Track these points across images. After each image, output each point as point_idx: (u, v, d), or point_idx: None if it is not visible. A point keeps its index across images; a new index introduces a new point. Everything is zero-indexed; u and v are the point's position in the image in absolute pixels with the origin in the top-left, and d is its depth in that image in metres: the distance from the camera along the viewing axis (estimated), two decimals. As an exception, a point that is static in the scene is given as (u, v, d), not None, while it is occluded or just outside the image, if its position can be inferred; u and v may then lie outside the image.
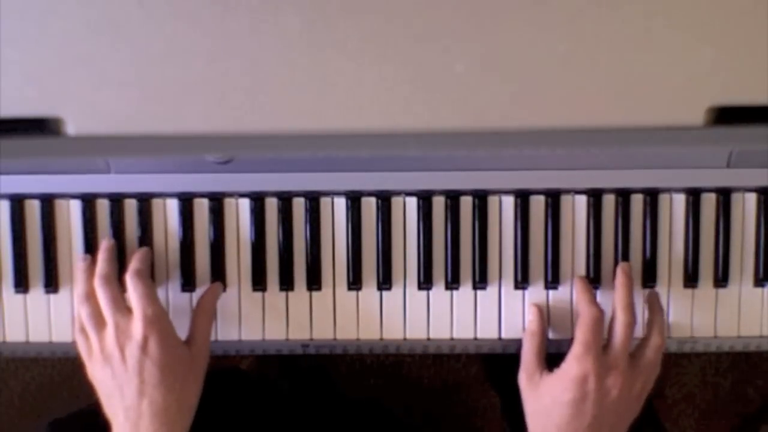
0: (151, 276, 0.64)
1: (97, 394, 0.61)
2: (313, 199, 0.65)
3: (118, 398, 0.59)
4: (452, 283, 0.66)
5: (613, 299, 0.63)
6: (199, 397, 0.62)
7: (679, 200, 0.65)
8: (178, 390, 0.59)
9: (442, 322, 0.66)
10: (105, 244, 0.64)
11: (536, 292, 0.66)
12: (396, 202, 0.65)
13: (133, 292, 0.60)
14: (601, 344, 0.61)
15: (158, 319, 0.59)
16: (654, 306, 0.65)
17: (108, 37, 0.45)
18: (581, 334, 0.60)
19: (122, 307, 0.60)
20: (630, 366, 0.61)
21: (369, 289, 0.66)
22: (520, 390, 0.63)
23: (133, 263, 0.62)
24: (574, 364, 0.60)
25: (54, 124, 0.46)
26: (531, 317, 0.65)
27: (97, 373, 0.60)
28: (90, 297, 0.61)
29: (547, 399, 0.61)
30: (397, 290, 0.66)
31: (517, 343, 0.66)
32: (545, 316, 0.65)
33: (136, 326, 0.59)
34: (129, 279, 0.61)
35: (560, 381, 0.60)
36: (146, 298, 0.60)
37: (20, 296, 0.66)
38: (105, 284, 0.61)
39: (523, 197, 0.65)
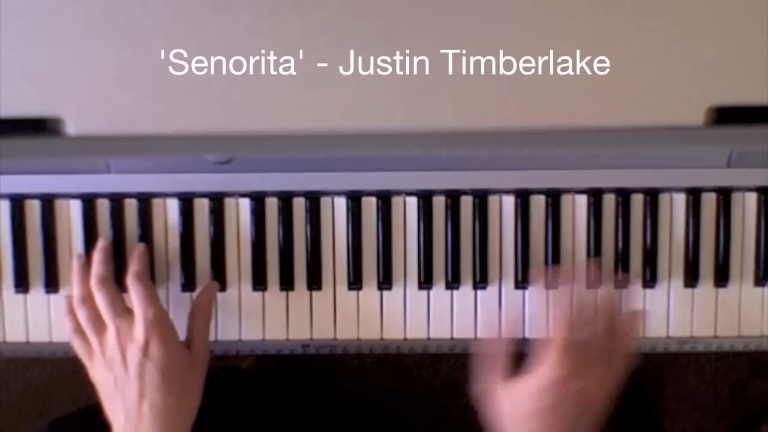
0: (150, 276, 0.64)
1: (98, 394, 0.61)
2: (314, 199, 0.65)
3: (120, 400, 0.59)
4: (452, 282, 0.66)
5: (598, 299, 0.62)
6: (200, 399, 0.61)
7: (680, 200, 0.65)
8: (178, 392, 0.59)
9: (442, 321, 0.66)
10: (100, 244, 0.63)
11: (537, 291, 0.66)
12: (396, 201, 0.65)
13: (134, 295, 0.60)
14: (578, 345, 0.58)
15: (159, 322, 0.59)
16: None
17: (108, 37, 0.45)
18: (558, 336, 0.58)
19: (122, 310, 0.60)
20: (605, 364, 0.58)
21: (369, 289, 0.66)
22: (490, 395, 0.60)
23: (132, 266, 0.62)
24: (549, 367, 0.57)
25: (54, 124, 0.46)
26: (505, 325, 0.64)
27: (99, 375, 0.60)
28: (87, 299, 0.61)
29: (523, 404, 0.58)
30: (397, 290, 0.66)
31: (518, 343, 0.65)
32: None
33: (138, 329, 0.59)
34: (130, 282, 0.61)
35: (536, 386, 0.57)
36: (147, 300, 0.60)
37: (20, 296, 0.66)
38: (102, 287, 0.61)
39: (523, 197, 0.65)
